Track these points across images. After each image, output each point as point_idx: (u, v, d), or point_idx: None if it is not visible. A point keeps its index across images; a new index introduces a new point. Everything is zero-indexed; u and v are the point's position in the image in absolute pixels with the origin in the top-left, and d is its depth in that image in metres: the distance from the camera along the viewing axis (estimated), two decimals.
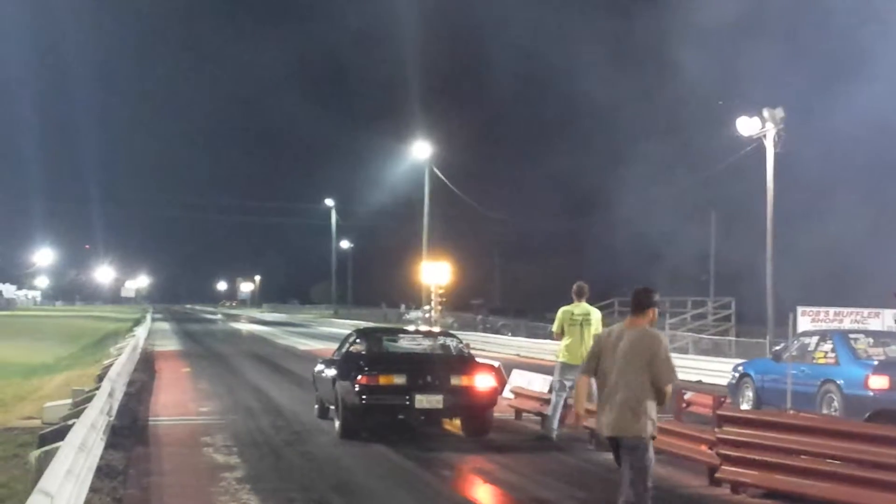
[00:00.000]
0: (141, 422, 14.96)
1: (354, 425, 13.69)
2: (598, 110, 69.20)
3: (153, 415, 15.94)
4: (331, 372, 14.78)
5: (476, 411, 13.99)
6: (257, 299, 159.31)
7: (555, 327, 13.95)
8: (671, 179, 58.59)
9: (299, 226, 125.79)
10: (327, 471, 11.22)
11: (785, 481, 9.32)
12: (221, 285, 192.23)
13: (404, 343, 16.55)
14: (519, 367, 19.77)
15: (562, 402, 13.63)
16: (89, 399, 11.31)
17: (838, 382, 15.61)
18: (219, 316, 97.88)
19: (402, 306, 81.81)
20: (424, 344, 16.47)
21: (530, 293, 72.78)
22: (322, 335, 54.43)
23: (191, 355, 32.96)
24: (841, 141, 44.30)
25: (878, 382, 15.05)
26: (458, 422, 14.42)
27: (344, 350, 15.58)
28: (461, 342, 16.00)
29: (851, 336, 17.13)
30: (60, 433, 8.74)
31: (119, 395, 15.38)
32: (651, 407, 7.34)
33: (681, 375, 24.83)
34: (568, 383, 13.65)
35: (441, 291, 35.27)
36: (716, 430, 10.46)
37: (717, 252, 54.74)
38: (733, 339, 34.10)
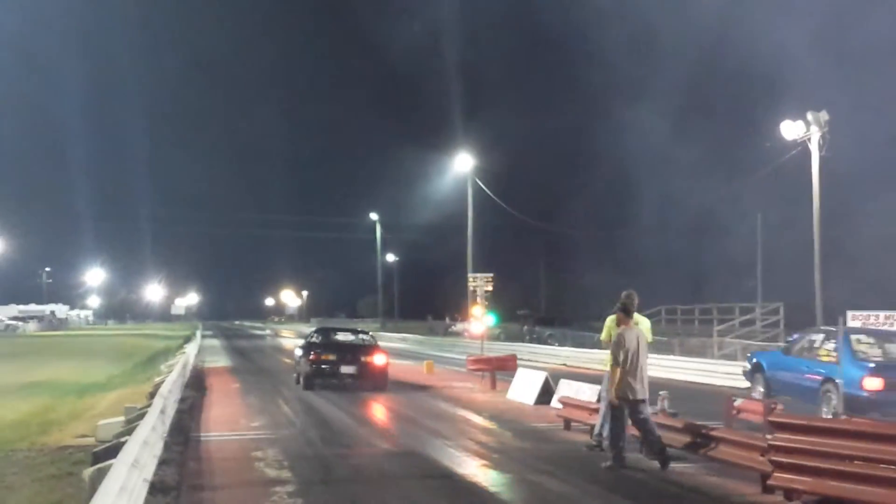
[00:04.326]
0: (193, 438, 15.07)
1: (309, 382, 24.27)
2: (645, 117, 68.86)
3: (204, 430, 16.04)
4: (299, 353, 26.08)
5: (376, 376, 24.32)
6: (305, 314, 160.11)
7: (603, 335, 13.87)
8: (718, 185, 58.16)
9: (346, 240, 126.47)
10: (377, 484, 11.24)
11: (839, 487, 9.18)
12: (269, 301, 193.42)
13: (339, 336, 27.12)
14: (566, 377, 19.72)
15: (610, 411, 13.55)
16: (142, 416, 11.43)
17: (837, 382, 15.92)
18: (267, 331, 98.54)
19: (447, 318, 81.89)
20: (350, 337, 27.11)
21: (576, 303, 72.54)
22: None
23: (240, 371, 33.22)
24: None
25: (873, 384, 15.78)
26: (501, 431, 14.49)
27: (307, 340, 26.61)
28: (371, 335, 27.58)
29: (855, 336, 17.57)
30: (113, 451, 8.83)
31: (171, 412, 15.51)
32: None
33: (730, 382, 24.71)
34: None
35: (486, 303, 35.18)
36: (768, 436, 10.35)
37: (765, 256, 54.15)
38: (783, 345, 33.53)
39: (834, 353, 16.89)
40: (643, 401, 12.16)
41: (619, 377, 12.03)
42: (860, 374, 15.96)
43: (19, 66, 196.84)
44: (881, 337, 18.11)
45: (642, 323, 13.77)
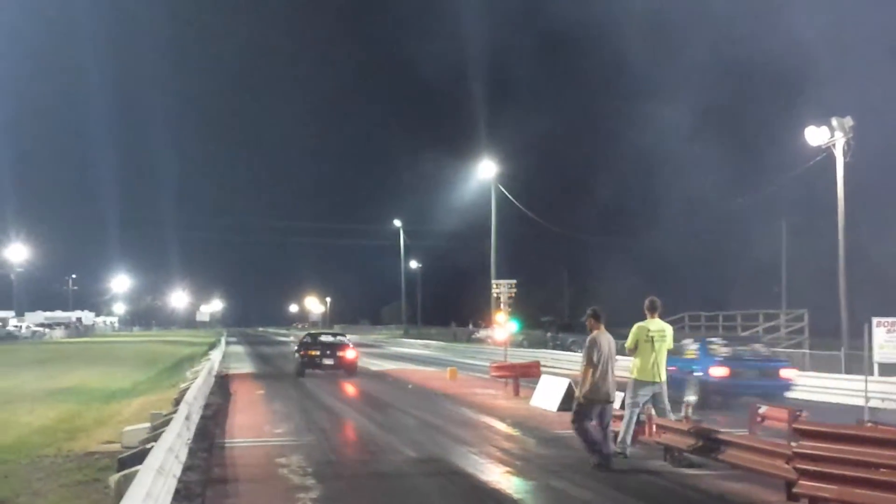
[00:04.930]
0: (217, 444, 15.13)
1: (300, 370, 32.69)
2: (671, 123, 68.66)
3: (229, 437, 16.10)
4: (296, 350, 34.61)
5: (347, 366, 33.10)
6: (328, 321, 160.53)
7: (629, 343, 13.84)
8: (741, 191, 57.94)
9: (369, 247, 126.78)
10: (400, 491, 11.26)
11: (866, 496, 9.11)
12: (293, 307, 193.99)
13: (322, 338, 36.49)
14: None
15: (634, 419, 13.56)
16: (167, 422, 11.51)
17: (696, 372, 21.43)
18: (291, 338, 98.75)
19: (470, 325, 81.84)
20: (330, 338, 36.51)
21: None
22: (393, 355, 54.56)
23: (264, 377, 33.31)
24: None
25: (718, 372, 21.18)
26: (524, 438, 14.52)
27: (300, 341, 35.50)
28: (345, 336, 37.70)
29: (710, 340, 23.85)
30: (139, 457, 8.91)
31: (195, 418, 15.58)
32: None
33: None
34: (641, 400, 13.60)
35: (509, 310, 35.19)
36: (793, 444, 10.30)
37: (789, 263, 53.81)
38: (807, 351, 33.16)
39: (696, 352, 22.27)
40: (611, 402, 12.86)
41: (590, 379, 12.62)
42: (709, 365, 21.33)
43: (46, 74, 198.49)
44: (734, 340, 25.08)
45: (667, 331, 13.77)
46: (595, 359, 12.63)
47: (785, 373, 21.98)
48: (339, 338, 36.71)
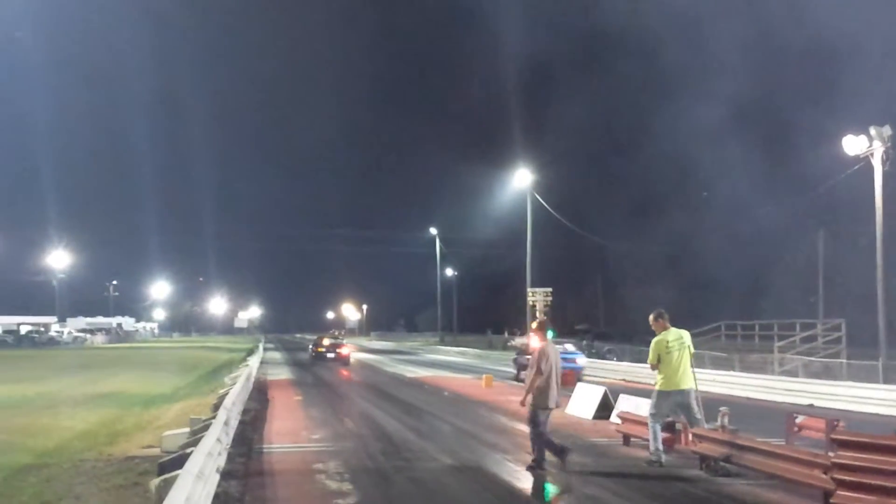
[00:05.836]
0: (256, 449, 15.27)
1: (313, 360, 52.40)
2: (706, 131, 68.27)
3: (267, 442, 16.24)
4: (310, 347, 57.65)
5: (344, 358, 52.06)
6: (364, 327, 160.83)
7: (651, 359, 13.73)
8: (778, 199, 57.48)
9: (406, 255, 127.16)
10: (437, 497, 11.32)
11: None
12: (330, 314, 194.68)
13: (326, 340, 56.52)
14: (625, 392, 19.65)
15: (658, 428, 13.54)
16: (206, 428, 11.64)
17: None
18: None
19: (506, 333, 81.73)
20: (332, 340, 57.22)
21: (635, 318, 72.00)
22: (428, 362, 54.62)
23: (302, 384, 33.51)
24: None
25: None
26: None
27: (313, 342, 58.65)
28: (343, 338, 66.14)
29: (564, 341, 35.75)
30: (179, 461, 9.02)
31: (234, 424, 15.73)
32: None
33: (791, 399, 24.44)
34: (664, 410, 13.60)
35: (543, 318, 35.30)
36: (830, 454, 10.26)
37: (826, 273, 53.26)
38: (845, 361, 32.85)
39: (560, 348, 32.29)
40: (552, 409, 13.47)
41: (540, 387, 13.19)
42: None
43: (88, 85, 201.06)
44: (552, 341, 34.94)
45: (685, 336, 13.72)
46: (544, 368, 13.20)
47: (579, 360, 35.48)
48: (338, 339, 57.97)
